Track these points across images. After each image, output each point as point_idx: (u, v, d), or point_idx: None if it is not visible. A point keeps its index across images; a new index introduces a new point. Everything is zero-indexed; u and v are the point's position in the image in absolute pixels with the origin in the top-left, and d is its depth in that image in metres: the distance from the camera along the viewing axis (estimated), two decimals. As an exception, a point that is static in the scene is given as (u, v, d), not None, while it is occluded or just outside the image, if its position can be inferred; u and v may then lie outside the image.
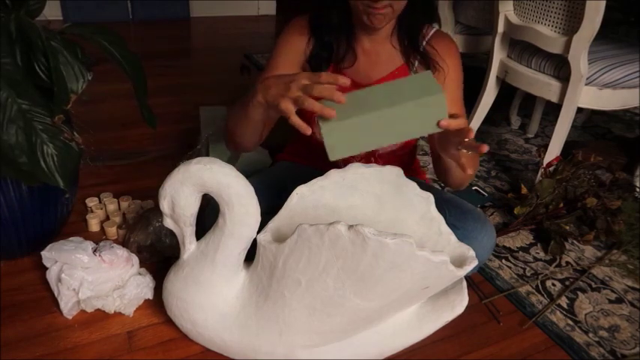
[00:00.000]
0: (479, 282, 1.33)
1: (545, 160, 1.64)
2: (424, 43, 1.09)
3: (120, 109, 2.10)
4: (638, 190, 1.79)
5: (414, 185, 1.01)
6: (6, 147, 0.93)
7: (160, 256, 1.26)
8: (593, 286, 1.35)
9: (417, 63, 1.10)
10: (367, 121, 0.80)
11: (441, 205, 0.98)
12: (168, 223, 0.95)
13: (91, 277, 1.08)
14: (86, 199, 1.46)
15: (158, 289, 1.09)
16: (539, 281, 1.35)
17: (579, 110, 1.72)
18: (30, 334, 1.06)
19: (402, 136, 0.83)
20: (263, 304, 0.92)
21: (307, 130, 0.80)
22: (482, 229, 1.09)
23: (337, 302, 0.86)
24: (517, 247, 1.49)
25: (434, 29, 1.11)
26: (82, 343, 1.05)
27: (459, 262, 0.87)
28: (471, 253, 0.90)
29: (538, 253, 1.48)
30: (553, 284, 1.35)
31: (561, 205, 1.53)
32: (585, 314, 1.25)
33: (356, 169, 1.01)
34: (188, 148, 1.70)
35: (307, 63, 1.12)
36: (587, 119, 2.45)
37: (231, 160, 1.47)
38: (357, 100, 0.82)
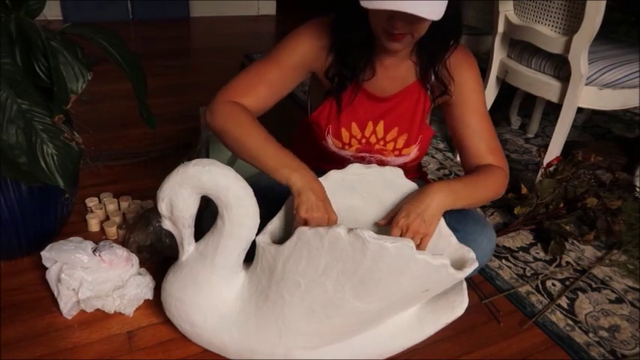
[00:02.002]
0: (479, 282, 1.32)
1: (545, 160, 1.64)
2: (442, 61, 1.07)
3: (120, 109, 2.10)
4: (638, 190, 1.78)
5: (414, 187, 1.01)
6: (6, 147, 0.93)
7: (159, 257, 1.26)
8: (593, 286, 1.35)
9: (432, 79, 1.09)
10: None
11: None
12: (167, 224, 0.95)
13: (91, 277, 1.08)
14: (86, 199, 1.46)
15: (158, 290, 1.09)
16: (539, 281, 1.35)
17: (579, 110, 1.71)
18: (30, 334, 1.06)
19: None
20: (262, 306, 0.92)
21: None
22: (482, 232, 1.08)
23: (337, 304, 0.86)
24: (517, 247, 1.49)
25: (451, 44, 1.07)
26: (82, 343, 1.05)
27: (459, 264, 0.87)
28: (471, 255, 0.90)
29: (538, 253, 1.47)
30: (553, 284, 1.35)
31: (561, 205, 1.53)
32: (585, 314, 1.25)
33: (356, 170, 1.01)
34: (188, 148, 1.71)
35: (325, 77, 1.09)
36: (587, 119, 2.44)
37: (231, 162, 1.47)
38: None
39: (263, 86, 1.04)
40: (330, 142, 1.14)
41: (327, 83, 1.10)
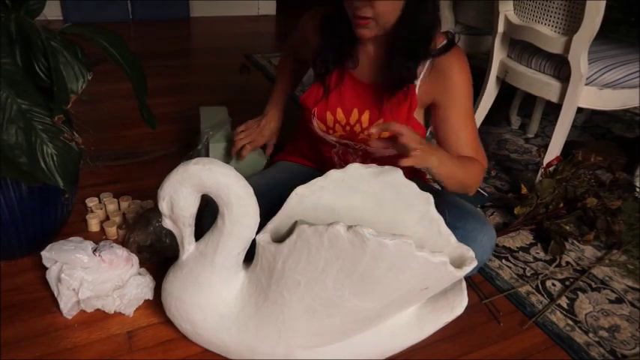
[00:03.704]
0: (479, 282, 1.33)
1: (545, 160, 1.64)
2: (428, 64, 1.09)
3: (120, 109, 2.10)
4: (638, 190, 1.78)
5: (413, 186, 1.01)
6: (6, 147, 0.93)
7: (159, 257, 1.26)
8: (593, 286, 1.35)
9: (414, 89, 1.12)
10: None
11: (441, 206, 0.98)
12: (167, 223, 0.95)
13: (91, 277, 1.08)
14: (86, 199, 1.46)
15: (158, 290, 1.09)
16: (539, 281, 1.35)
17: (579, 110, 1.71)
18: (30, 334, 1.06)
19: None
20: (262, 305, 0.92)
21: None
22: (482, 230, 1.09)
23: (336, 303, 0.86)
24: (517, 247, 1.49)
25: (443, 43, 1.09)
26: (82, 343, 1.05)
27: (458, 263, 0.87)
28: (471, 253, 0.90)
29: (538, 253, 1.48)
30: (553, 284, 1.35)
31: (561, 205, 1.53)
32: (585, 314, 1.25)
33: (355, 170, 1.01)
34: (188, 148, 1.71)
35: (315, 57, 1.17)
36: (587, 119, 2.44)
37: (230, 159, 1.47)
38: None
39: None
40: (316, 124, 1.17)
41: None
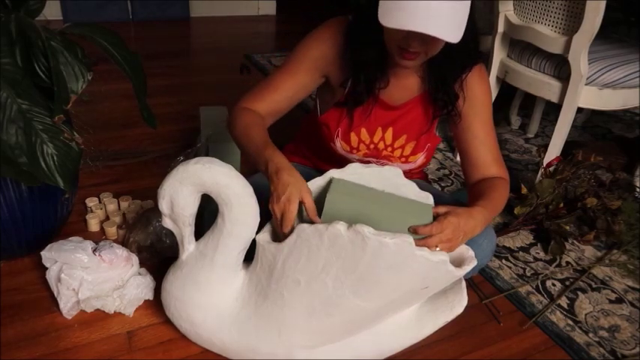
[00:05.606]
0: (479, 282, 1.33)
1: (545, 160, 1.64)
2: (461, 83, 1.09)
3: (120, 109, 2.10)
4: (638, 190, 1.78)
5: (413, 186, 1.01)
6: (6, 147, 0.93)
7: (159, 257, 1.26)
8: (593, 286, 1.35)
9: (441, 97, 1.10)
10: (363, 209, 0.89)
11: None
12: (167, 223, 0.95)
13: (91, 276, 1.08)
14: (86, 199, 1.46)
15: (158, 290, 1.09)
16: (539, 281, 1.35)
17: (579, 110, 1.71)
18: (30, 334, 1.06)
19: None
20: (262, 305, 0.92)
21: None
22: (482, 233, 1.09)
23: (336, 302, 0.86)
24: (517, 247, 1.49)
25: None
26: (82, 343, 1.05)
27: (458, 262, 0.87)
28: (470, 253, 0.90)
29: (538, 253, 1.47)
30: (553, 284, 1.35)
31: (561, 205, 1.53)
32: (585, 314, 1.25)
33: (355, 170, 1.01)
34: (188, 148, 1.71)
35: (341, 87, 1.10)
36: (587, 119, 2.44)
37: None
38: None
39: (276, 94, 1.09)
40: (339, 145, 1.15)
41: (340, 92, 1.11)
